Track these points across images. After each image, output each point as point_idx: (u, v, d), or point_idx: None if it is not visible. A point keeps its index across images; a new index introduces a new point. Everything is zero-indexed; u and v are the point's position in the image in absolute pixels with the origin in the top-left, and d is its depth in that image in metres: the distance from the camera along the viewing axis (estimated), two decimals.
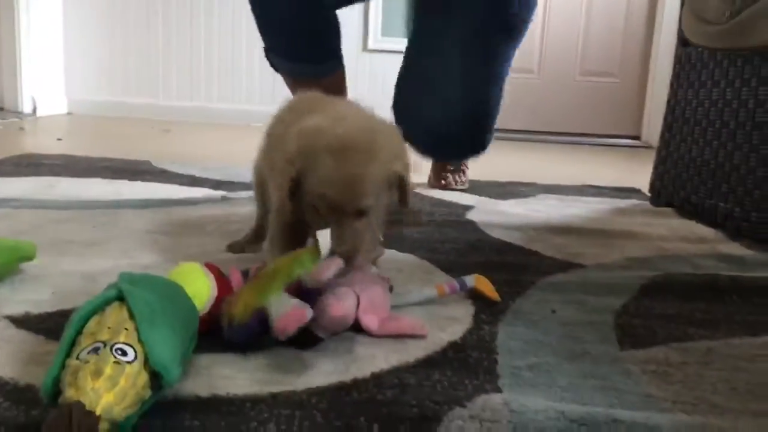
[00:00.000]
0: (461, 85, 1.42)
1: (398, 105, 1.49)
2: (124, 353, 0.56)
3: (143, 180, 1.73)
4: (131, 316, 0.61)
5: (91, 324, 0.60)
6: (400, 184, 0.85)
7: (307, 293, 0.77)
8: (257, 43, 3.41)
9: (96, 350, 0.56)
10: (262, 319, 0.72)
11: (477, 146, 1.49)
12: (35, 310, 0.83)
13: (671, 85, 1.77)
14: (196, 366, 0.70)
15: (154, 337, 0.59)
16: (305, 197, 0.80)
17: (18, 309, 0.83)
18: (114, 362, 0.55)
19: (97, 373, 0.53)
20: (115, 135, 2.76)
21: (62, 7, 3.44)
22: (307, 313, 0.71)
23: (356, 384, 0.69)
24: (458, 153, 1.42)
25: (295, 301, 0.73)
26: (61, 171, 1.78)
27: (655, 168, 1.83)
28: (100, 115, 3.43)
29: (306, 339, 0.75)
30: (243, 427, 0.59)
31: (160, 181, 1.73)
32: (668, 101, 1.78)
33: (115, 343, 0.57)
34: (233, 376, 0.69)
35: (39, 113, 3.27)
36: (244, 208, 1.42)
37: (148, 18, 3.47)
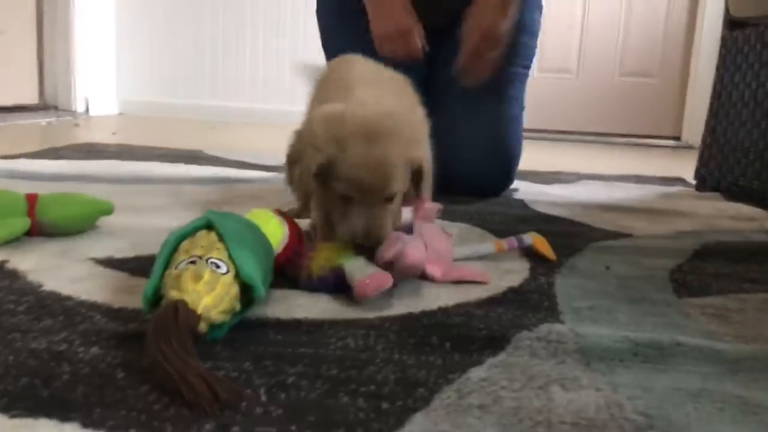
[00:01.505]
0: (480, 125, 1.45)
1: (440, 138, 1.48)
2: (218, 266, 0.61)
3: (198, 164, 1.79)
4: (220, 239, 0.65)
5: (185, 244, 0.64)
6: (418, 170, 0.86)
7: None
8: (300, 46, 3.50)
9: (193, 262, 0.60)
10: (339, 277, 0.76)
11: (505, 181, 1.55)
12: (117, 254, 0.88)
13: (717, 70, 1.77)
14: (274, 296, 0.74)
15: (243, 256, 0.63)
16: (334, 184, 0.82)
17: (101, 254, 0.88)
18: (210, 272, 0.59)
19: (197, 278, 0.57)
20: (165, 131, 2.84)
21: (115, 13, 3.57)
22: (389, 280, 0.74)
23: (425, 314, 0.72)
24: (486, 185, 1.50)
25: (375, 268, 0.76)
26: (122, 156, 1.86)
27: (701, 154, 1.84)
28: (149, 114, 3.53)
29: None
30: (323, 341, 0.63)
31: (214, 165, 1.79)
32: (714, 87, 1.78)
33: (210, 257, 0.61)
34: (308, 305, 0.73)
35: (92, 113, 3.38)
36: None
37: (197, 22, 3.58)
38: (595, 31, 3.78)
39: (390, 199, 0.84)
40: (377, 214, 0.82)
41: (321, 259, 0.78)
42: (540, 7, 1.64)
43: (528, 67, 1.59)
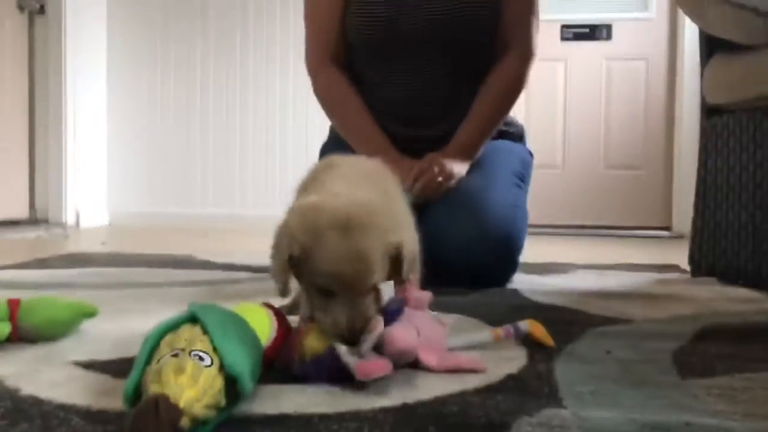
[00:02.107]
0: (490, 206, 1.47)
1: (429, 228, 1.49)
2: (201, 359, 0.58)
3: (188, 268, 1.78)
4: (204, 332, 0.63)
5: (167, 338, 0.62)
6: (398, 256, 0.83)
7: None
8: (290, 153, 3.57)
9: (175, 355, 0.58)
10: (334, 357, 0.74)
11: (507, 268, 1.54)
12: (99, 357, 0.85)
13: (699, 157, 1.81)
14: (262, 392, 0.71)
15: (228, 348, 0.61)
16: (310, 276, 0.80)
17: (83, 357, 0.85)
18: (193, 364, 0.57)
19: (180, 370, 0.55)
20: (155, 239, 2.84)
21: (106, 127, 3.66)
22: (390, 367, 0.73)
23: (420, 404, 0.69)
24: (487, 276, 1.49)
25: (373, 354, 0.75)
26: (109, 263, 1.84)
27: (693, 239, 1.84)
28: (139, 224, 3.55)
29: None
30: None
31: (203, 269, 1.77)
32: (698, 172, 1.81)
33: (193, 350, 0.59)
34: (298, 400, 0.69)
35: (82, 225, 3.39)
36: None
37: (187, 132, 3.66)
38: (577, 125, 3.89)
39: (372, 289, 0.82)
40: (359, 306, 0.79)
41: (312, 339, 0.76)
42: (532, 157, 1.75)
43: (522, 180, 1.63)
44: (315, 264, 0.78)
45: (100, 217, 3.59)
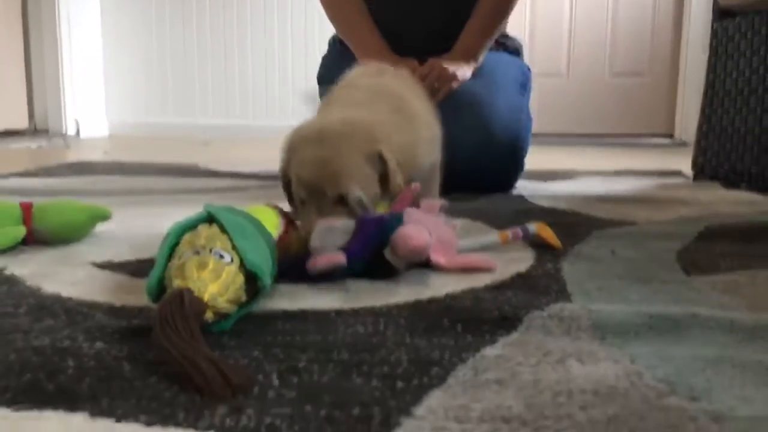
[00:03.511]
0: (496, 110, 1.48)
1: None
2: (222, 256, 0.59)
3: (193, 177, 1.78)
4: (222, 232, 0.64)
5: (187, 237, 0.63)
6: (382, 164, 0.85)
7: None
8: (289, 62, 3.50)
9: (197, 252, 0.59)
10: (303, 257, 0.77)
11: (512, 171, 1.56)
12: (116, 258, 0.87)
13: (709, 60, 1.78)
14: (279, 290, 0.73)
15: (247, 246, 0.62)
16: (293, 189, 0.86)
17: (100, 258, 0.87)
18: (215, 260, 0.58)
19: (203, 266, 0.56)
20: (158, 149, 2.83)
21: (101, 35, 3.57)
22: (342, 258, 0.74)
23: (433, 300, 0.71)
24: (493, 180, 1.51)
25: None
26: (114, 172, 1.85)
27: (697, 143, 1.84)
28: (139, 134, 3.53)
29: (382, 269, 0.78)
30: (332, 329, 0.62)
31: (210, 177, 1.78)
32: (707, 76, 1.79)
33: (213, 248, 0.60)
34: (314, 298, 0.71)
35: (82, 135, 3.37)
36: None
37: (184, 40, 3.58)
38: (583, 32, 3.80)
39: (344, 200, 0.83)
40: (325, 213, 0.82)
41: (296, 241, 0.81)
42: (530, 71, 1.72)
43: (524, 88, 1.62)
44: (292, 174, 0.85)
45: (100, 128, 3.56)
